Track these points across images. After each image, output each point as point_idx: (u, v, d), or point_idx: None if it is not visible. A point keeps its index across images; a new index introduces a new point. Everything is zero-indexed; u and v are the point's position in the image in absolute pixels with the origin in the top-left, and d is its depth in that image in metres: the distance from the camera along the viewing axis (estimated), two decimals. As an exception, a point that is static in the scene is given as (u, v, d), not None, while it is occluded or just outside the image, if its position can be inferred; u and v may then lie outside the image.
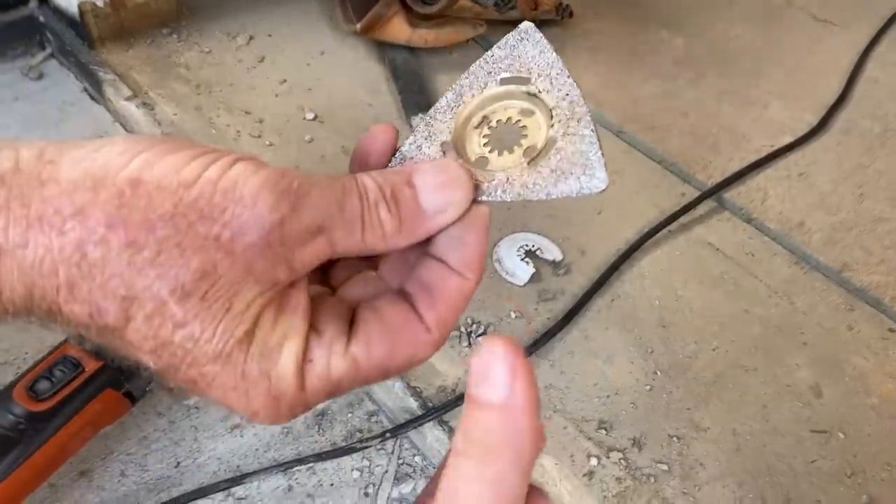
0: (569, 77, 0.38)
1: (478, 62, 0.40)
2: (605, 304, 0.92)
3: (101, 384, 0.72)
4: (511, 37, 0.40)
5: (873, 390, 0.88)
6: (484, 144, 0.39)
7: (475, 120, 0.39)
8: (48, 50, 1.18)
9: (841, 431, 0.84)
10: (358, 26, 1.14)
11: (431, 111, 0.40)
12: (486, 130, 0.39)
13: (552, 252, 0.95)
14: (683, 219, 1.03)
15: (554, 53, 0.39)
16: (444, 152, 0.38)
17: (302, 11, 1.28)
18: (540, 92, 0.38)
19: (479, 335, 0.86)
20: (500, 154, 0.38)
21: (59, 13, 1.14)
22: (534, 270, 0.92)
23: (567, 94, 0.38)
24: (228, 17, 1.24)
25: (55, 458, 0.70)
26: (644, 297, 0.94)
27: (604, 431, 0.80)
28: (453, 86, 0.40)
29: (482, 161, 0.38)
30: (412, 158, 0.39)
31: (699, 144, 1.15)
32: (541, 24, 1.26)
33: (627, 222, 1.02)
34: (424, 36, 1.15)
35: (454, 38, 1.18)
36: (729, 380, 0.87)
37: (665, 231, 1.02)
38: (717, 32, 1.40)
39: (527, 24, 0.39)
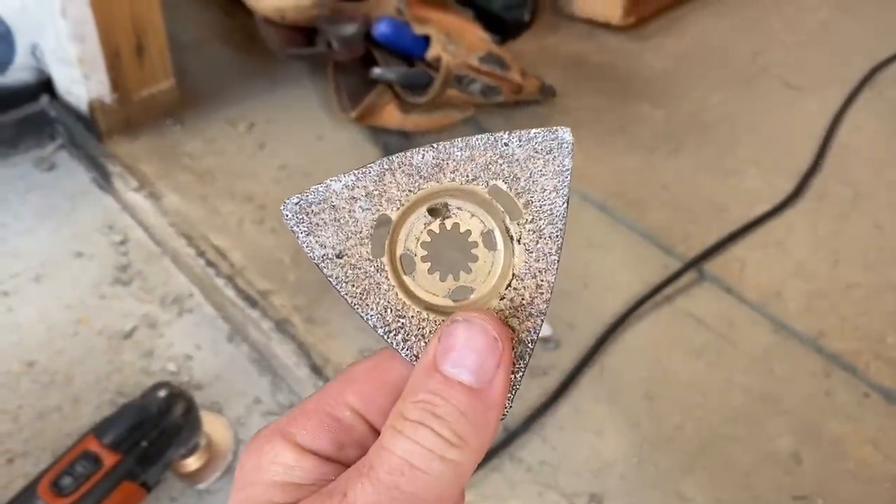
0: (563, 226, 0.33)
1: (484, 140, 0.33)
2: (594, 378, 0.97)
3: (118, 477, 0.77)
4: (537, 137, 0.33)
5: (850, 455, 0.92)
6: (421, 244, 0.34)
7: (427, 205, 0.34)
8: (58, 141, 1.24)
9: (820, 497, 0.88)
10: (353, 114, 1.20)
11: (398, 159, 0.33)
12: (432, 226, 0.34)
13: (542, 328, 1.00)
14: (666, 291, 1.09)
15: (568, 185, 0.33)
16: (374, 226, 0.33)
17: (300, 98, 1.34)
18: (522, 227, 0.33)
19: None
20: (431, 273, 0.34)
21: (69, 108, 1.20)
22: (525, 347, 0.97)
23: (548, 245, 0.33)
24: (230, 105, 1.30)
25: (77, 549, 0.74)
26: (631, 369, 0.99)
27: (595, 505, 0.85)
28: (438, 147, 0.33)
29: (407, 261, 0.34)
30: (331, 201, 0.33)
31: (679, 216, 1.21)
32: (524, 105, 1.34)
33: (613, 295, 1.07)
34: (416, 121, 1.22)
35: (444, 121, 1.24)
36: (713, 449, 0.91)
37: (649, 303, 1.07)
38: (695, 103, 1.47)
39: (564, 135, 0.33)
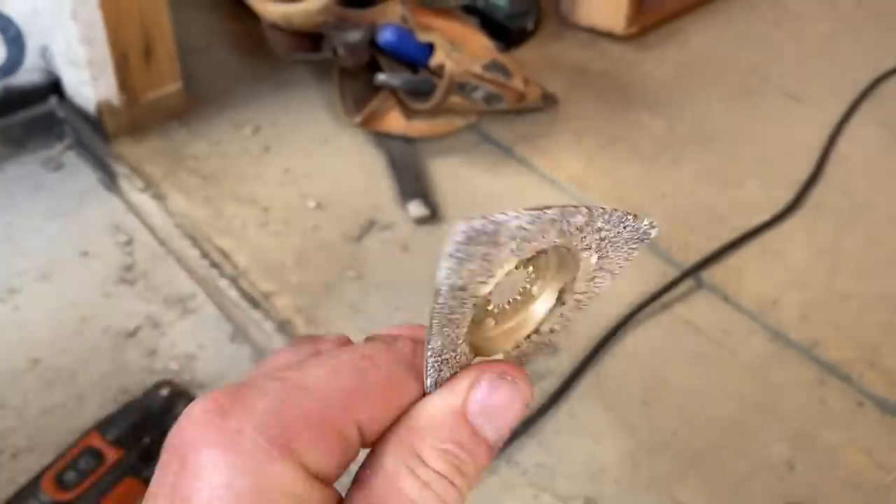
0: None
1: (616, 216, 0.30)
2: (591, 383, 0.99)
3: (121, 472, 0.79)
4: (636, 227, 0.31)
5: (844, 463, 0.93)
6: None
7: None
8: (66, 142, 1.25)
9: (813, 504, 0.89)
10: (357, 119, 1.22)
11: (567, 214, 0.29)
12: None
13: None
14: (664, 298, 1.10)
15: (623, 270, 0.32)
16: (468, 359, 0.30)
17: (304, 102, 1.36)
18: (572, 295, 0.32)
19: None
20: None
21: (77, 110, 1.22)
22: (523, 352, 0.99)
23: (574, 315, 0.32)
24: (235, 108, 1.32)
25: (80, 544, 0.75)
26: (628, 375, 1.00)
27: (589, 508, 0.86)
28: (591, 212, 0.29)
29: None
30: (496, 239, 0.28)
31: (678, 225, 1.22)
32: (527, 113, 1.35)
33: (611, 302, 1.08)
34: (419, 127, 1.24)
35: (447, 128, 1.26)
36: (708, 455, 0.93)
37: (647, 310, 1.08)
38: (696, 112, 1.48)
39: (653, 233, 0.31)
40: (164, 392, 0.84)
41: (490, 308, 0.31)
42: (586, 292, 0.32)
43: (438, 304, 0.29)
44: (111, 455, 0.78)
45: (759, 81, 1.59)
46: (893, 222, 1.27)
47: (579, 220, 0.29)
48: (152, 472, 0.81)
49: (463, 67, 1.18)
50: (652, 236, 0.31)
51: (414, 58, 1.23)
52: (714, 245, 1.18)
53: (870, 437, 0.96)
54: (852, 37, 1.74)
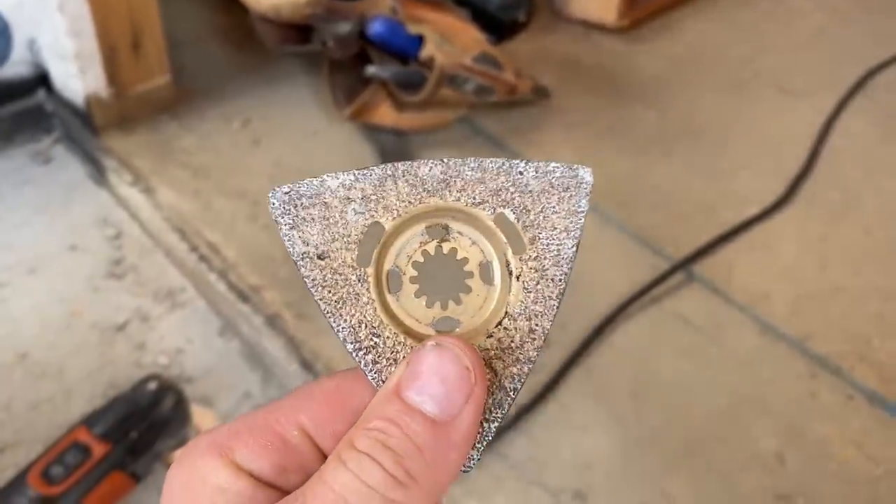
0: (569, 270, 0.31)
1: (498, 164, 0.31)
2: (582, 377, 0.98)
3: (108, 467, 0.78)
4: (556, 172, 0.31)
5: (834, 456, 0.93)
6: (412, 263, 0.31)
7: (426, 223, 0.31)
8: (55, 135, 1.25)
9: (803, 497, 0.89)
10: (347, 112, 1.21)
11: (403, 167, 0.31)
12: (427, 246, 0.31)
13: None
14: (655, 291, 1.10)
15: (581, 228, 0.31)
16: (364, 233, 0.30)
17: (294, 95, 1.35)
18: (524, 263, 0.31)
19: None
20: (418, 296, 0.31)
21: (65, 103, 1.21)
22: (513, 345, 0.98)
23: (549, 287, 0.31)
24: (225, 101, 1.31)
25: (66, 538, 0.75)
26: (618, 368, 1.00)
27: (579, 501, 0.86)
28: (448, 162, 0.31)
29: (394, 278, 0.31)
30: (323, 198, 0.30)
31: (670, 218, 1.22)
32: (518, 105, 1.35)
33: (602, 295, 1.08)
34: (409, 120, 1.23)
35: (437, 121, 1.25)
36: (697, 448, 0.93)
37: (638, 303, 1.08)
38: (688, 105, 1.48)
39: (585, 175, 0.31)
40: (152, 386, 0.83)
41: (405, 285, 0.31)
42: (537, 257, 0.31)
43: (304, 277, 0.30)
44: (98, 449, 0.78)
45: (750, 75, 1.59)
46: (884, 215, 1.27)
47: (430, 171, 0.30)
48: (139, 467, 0.80)
49: (453, 60, 1.17)
50: (587, 180, 0.31)
51: (404, 50, 1.22)
52: (705, 238, 1.18)
53: (860, 430, 0.96)
54: (844, 30, 1.74)
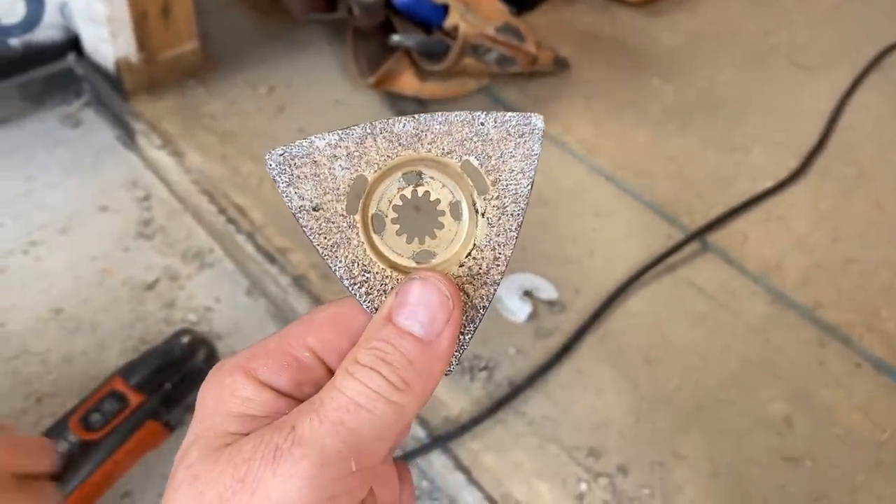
0: (525, 205, 0.36)
1: (462, 117, 0.36)
2: (597, 341, 1.01)
3: (143, 415, 0.81)
4: (512, 121, 0.36)
5: (840, 421, 0.96)
6: (393, 207, 0.37)
7: (402, 171, 0.36)
8: (84, 98, 1.27)
9: (809, 459, 0.92)
10: (371, 80, 1.24)
11: (380, 125, 0.35)
12: (405, 191, 0.36)
13: (548, 291, 1.04)
14: (670, 260, 1.12)
15: (535, 168, 0.36)
16: (350, 185, 0.35)
17: (318, 63, 1.37)
18: (487, 202, 0.36)
19: (482, 369, 0.95)
20: (399, 234, 0.37)
21: (96, 67, 1.23)
22: (531, 309, 1.01)
23: (509, 221, 0.36)
24: (251, 68, 1.33)
25: (105, 481, 0.79)
26: (632, 334, 1.03)
27: (593, 458, 0.89)
28: (419, 119, 0.35)
29: (378, 221, 0.37)
30: (313, 157, 0.35)
31: (685, 189, 1.24)
32: (538, 76, 1.37)
33: (618, 263, 1.11)
34: (432, 89, 1.25)
35: (459, 90, 1.27)
36: (708, 411, 0.96)
37: (652, 271, 1.11)
38: (704, 79, 1.49)
39: (537, 122, 0.36)
40: (185, 340, 0.87)
41: (388, 226, 0.36)
42: (498, 196, 0.36)
43: (302, 227, 0.35)
44: (134, 399, 0.81)
45: (767, 49, 1.60)
46: (897, 190, 1.29)
47: (403, 127, 0.35)
48: (173, 417, 0.84)
49: (477, 29, 1.19)
50: (538, 126, 0.36)
51: (428, 19, 1.24)
52: (720, 209, 1.21)
53: (866, 397, 0.99)
54: (862, 6, 1.75)
